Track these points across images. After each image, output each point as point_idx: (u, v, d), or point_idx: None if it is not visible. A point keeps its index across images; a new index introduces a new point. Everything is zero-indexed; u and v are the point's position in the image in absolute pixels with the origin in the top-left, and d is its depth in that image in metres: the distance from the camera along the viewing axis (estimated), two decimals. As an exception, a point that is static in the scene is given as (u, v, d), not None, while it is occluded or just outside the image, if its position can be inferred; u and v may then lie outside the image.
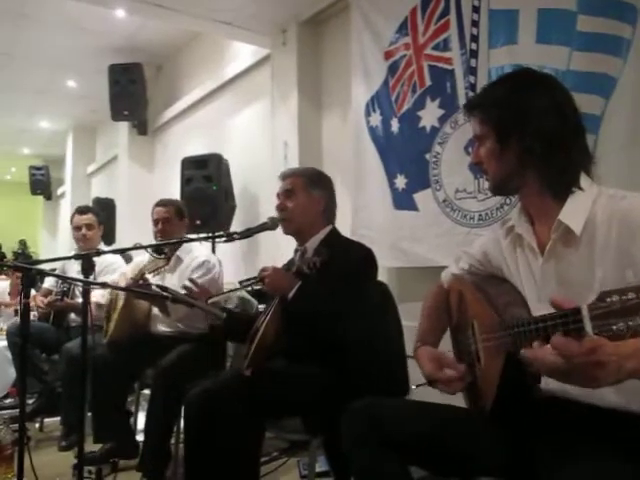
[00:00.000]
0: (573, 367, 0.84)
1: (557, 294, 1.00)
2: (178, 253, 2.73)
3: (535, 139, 1.12)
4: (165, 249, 2.59)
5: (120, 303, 2.58)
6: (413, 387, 1.51)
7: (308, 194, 1.96)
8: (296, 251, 2.01)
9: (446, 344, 1.40)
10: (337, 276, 1.77)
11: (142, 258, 2.75)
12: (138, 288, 2.43)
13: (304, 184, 1.97)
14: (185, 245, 2.76)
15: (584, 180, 1.14)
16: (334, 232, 2.01)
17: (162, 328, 2.68)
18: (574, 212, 1.10)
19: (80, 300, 3.08)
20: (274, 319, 1.73)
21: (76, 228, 3.29)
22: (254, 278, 1.87)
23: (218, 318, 2.04)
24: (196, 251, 2.74)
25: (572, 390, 1.05)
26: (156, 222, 2.77)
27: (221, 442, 1.61)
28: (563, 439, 1.08)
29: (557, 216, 1.11)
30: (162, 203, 2.82)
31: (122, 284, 2.62)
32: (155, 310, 2.63)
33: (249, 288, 1.95)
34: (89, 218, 3.30)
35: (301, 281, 1.76)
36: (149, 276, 2.67)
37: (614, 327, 0.78)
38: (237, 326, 1.98)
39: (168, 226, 2.74)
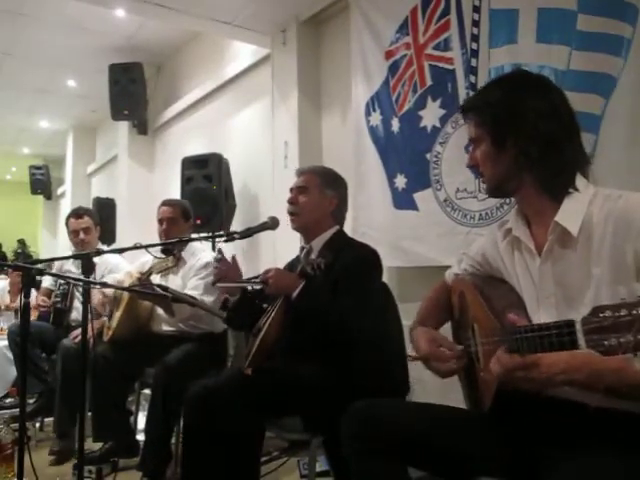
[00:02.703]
0: (511, 377, 1.01)
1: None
2: (182, 254, 2.72)
3: (531, 141, 1.12)
4: (174, 249, 2.59)
5: (124, 302, 2.58)
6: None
7: (321, 193, 1.97)
8: (302, 249, 2.01)
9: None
10: (341, 276, 1.77)
11: (146, 258, 2.75)
12: (140, 288, 2.43)
13: (319, 183, 1.98)
14: (189, 247, 2.75)
15: (580, 181, 1.14)
16: (340, 233, 2.01)
17: (164, 327, 2.68)
18: (570, 213, 1.11)
19: (78, 303, 3.11)
20: (277, 319, 1.73)
21: (73, 232, 3.23)
22: (255, 277, 1.86)
23: (219, 317, 2.04)
24: (199, 252, 2.74)
25: (570, 390, 1.05)
26: (161, 222, 2.75)
27: (221, 441, 1.61)
28: (562, 439, 1.08)
29: (554, 217, 1.11)
30: (168, 203, 2.81)
31: (126, 283, 2.63)
32: (159, 310, 2.63)
33: (250, 287, 1.94)
34: (86, 222, 3.23)
35: (305, 281, 1.76)
36: (156, 276, 2.67)
37: (606, 342, 0.79)
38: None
39: (173, 226, 2.72)
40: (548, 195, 1.15)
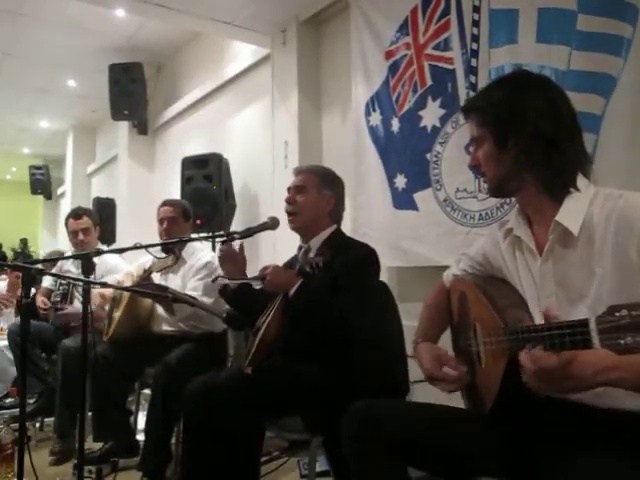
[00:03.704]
0: (548, 377, 0.93)
1: (551, 304, 1.05)
2: (182, 254, 2.72)
3: (532, 141, 1.13)
4: (175, 247, 2.59)
5: (124, 302, 2.58)
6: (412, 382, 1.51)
7: (319, 192, 1.97)
8: (300, 248, 2.02)
9: (445, 344, 1.40)
10: (340, 274, 1.77)
11: (147, 258, 2.75)
12: (139, 288, 2.43)
13: (317, 182, 1.98)
14: (188, 246, 2.75)
15: (581, 181, 1.14)
16: (338, 232, 2.02)
17: (164, 327, 2.68)
18: (571, 213, 1.11)
19: (78, 303, 3.11)
20: (276, 318, 1.73)
21: (72, 233, 3.22)
22: (255, 277, 1.86)
23: (219, 317, 2.04)
24: (199, 252, 2.74)
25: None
26: (161, 221, 2.75)
27: (221, 440, 1.61)
28: (563, 440, 1.07)
29: (554, 217, 1.11)
30: (169, 203, 2.81)
31: (128, 283, 2.62)
32: (159, 310, 2.63)
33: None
34: (85, 222, 3.21)
35: (303, 279, 1.76)
36: (156, 275, 2.67)
37: (622, 342, 0.78)
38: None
39: (174, 226, 2.73)
40: (549, 195, 1.15)
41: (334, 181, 2.04)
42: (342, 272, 1.78)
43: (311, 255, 1.89)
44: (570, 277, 1.11)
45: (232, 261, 1.95)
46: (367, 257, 1.89)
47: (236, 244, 1.98)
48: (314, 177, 1.99)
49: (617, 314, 0.79)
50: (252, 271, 1.99)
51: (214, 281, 2.03)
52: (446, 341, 1.43)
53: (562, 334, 0.91)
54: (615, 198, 1.08)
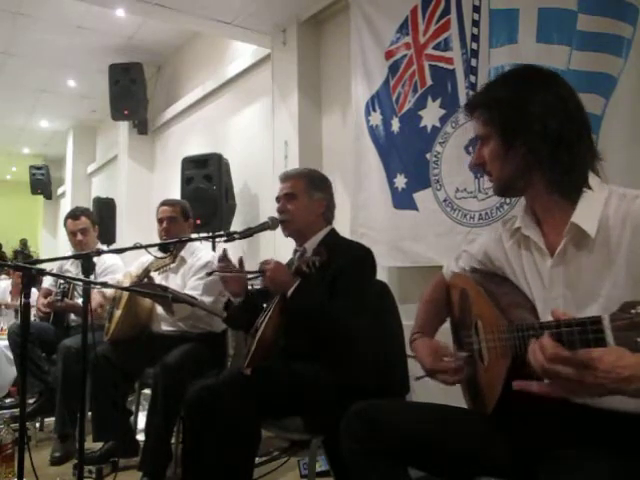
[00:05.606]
0: (553, 371, 0.85)
1: (558, 308, 1.00)
2: (182, 254, 2.72)
3: (540, 139, 1.09)
4: (171, 247, 2.59)
5: (123, 302, 2.58)
6: (413, 379, 1.49)
7: (309, 197, 1.96)
8: (295, 252, 2.01)
9: (445, 341, 1.40)
10: (338, 277, 1.77)
11: (147, 257, 2.75)
12: (139, 287, 2.43)
13: (306, 187, 1.96)
14: (188, 246, 2.75)
15: (593, 179, 1.11)
16: (333, 232, 2.01)
17: (164, 327, 2.67)
18: (587, 214, 1.07)
19: (79, 300, 3.12)
20: (274, 318, 1.73)
21: (71, 233, 3.23)
22: (255, 271, 1.85)
23: (219, 316, 2.03)
24: (199, 252, 2.74)
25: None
26: (161, 221, 2.75)
27: (220, 440, 1.61)
28: (565, 441, 1.07)
29: (567, 217, 1.08)
30: (168, 203, 2.82)
31: (127, 283, 2.62)
32: (158, 309, 2.63)
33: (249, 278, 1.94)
34: (83, 222, 3.22)
35: (300, 280, 1.75)
36: (154, 274, 2.67)
37: (638, 340, 0.75)
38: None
39: (173, 225, 2.73)
40: (559, 194, 1.12)
41: (323, 182, 2.03)
42: (340, 275, 1.78)
43: (307, 255, 1.88)
44: (581, 280, 1.08)
45: (234, 280, 1.93)
46: (364, 259, 1.88)
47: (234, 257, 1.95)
48: (302, 182, 1.97)
49: (632, 311, 0.76)
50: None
51: (209, 274, 2.02)
52: (447, 339, 1.43)
53: (571, 331, 0.87)
54: (631, 199, 1.05)
